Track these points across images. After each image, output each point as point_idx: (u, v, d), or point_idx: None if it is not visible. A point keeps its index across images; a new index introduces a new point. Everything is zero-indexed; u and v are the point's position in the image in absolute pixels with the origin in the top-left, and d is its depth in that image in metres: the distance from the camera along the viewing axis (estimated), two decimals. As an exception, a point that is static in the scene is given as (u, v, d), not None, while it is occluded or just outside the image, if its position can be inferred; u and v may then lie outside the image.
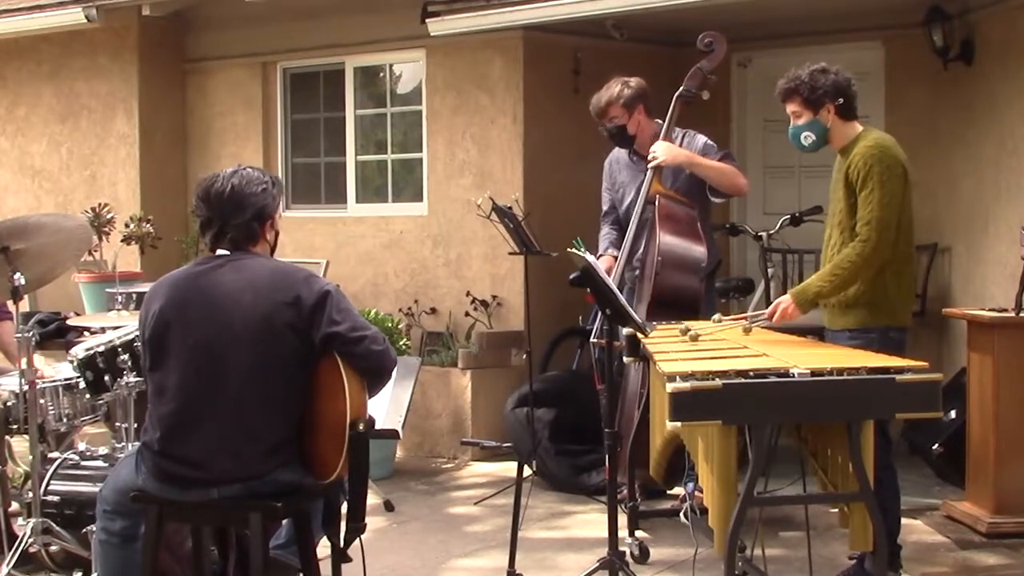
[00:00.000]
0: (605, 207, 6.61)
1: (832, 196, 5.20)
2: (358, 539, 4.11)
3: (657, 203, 6.18)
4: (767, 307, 7.58)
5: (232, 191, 4.09)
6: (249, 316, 3.94)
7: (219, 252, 4.12)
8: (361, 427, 3.91)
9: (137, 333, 5.54)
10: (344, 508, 4.13)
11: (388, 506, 6.73)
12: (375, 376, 4.00)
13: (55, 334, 7.62)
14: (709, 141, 6.37)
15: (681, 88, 6.26)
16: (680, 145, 6.31)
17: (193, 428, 3.95)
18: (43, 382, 5.55)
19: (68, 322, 7.26)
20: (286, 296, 3.96)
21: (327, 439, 3.96)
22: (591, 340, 6.64)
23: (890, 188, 4.92)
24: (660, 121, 6.36)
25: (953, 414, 6.62)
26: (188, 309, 4.01)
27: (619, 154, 6.57)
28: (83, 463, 5.43)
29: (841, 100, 5.04)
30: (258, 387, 3.93)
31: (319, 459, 3.99)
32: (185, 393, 3.97)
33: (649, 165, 6.22)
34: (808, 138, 5.13)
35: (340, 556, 4.12)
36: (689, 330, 4.85)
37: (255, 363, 3.93)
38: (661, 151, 6.16)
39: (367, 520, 4.14)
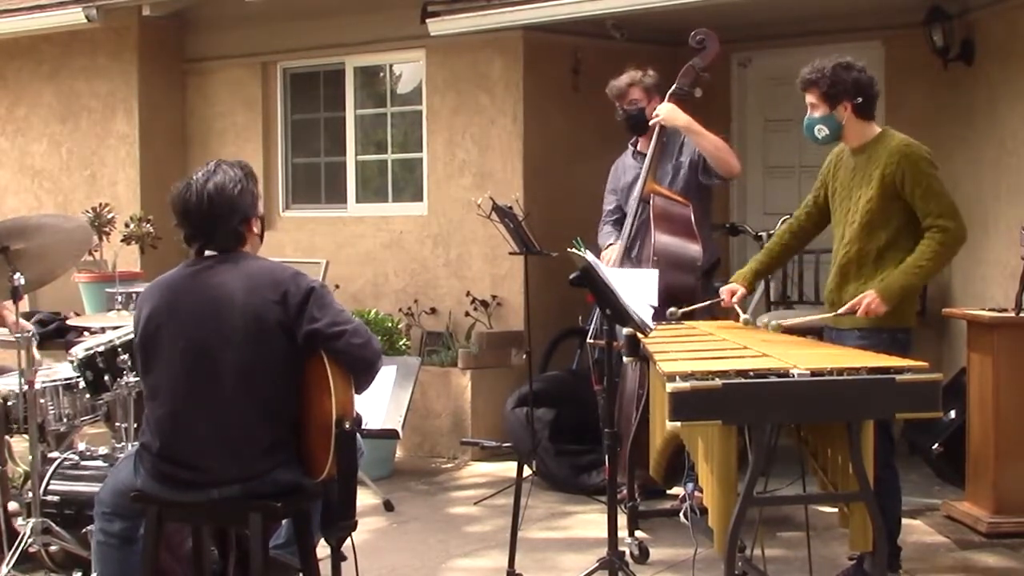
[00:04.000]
0: (610, 207, 6.61)
1: (842, 195, 5.16)
2: (351, 540, 4.11)
3: (652, 202, 6.19)
4: (767, 308, 7.63)
5: (210, 204, 4.04)
6: (240, 316, 3.95)
7: (208, 253, 4.12)
8: (347, 425, 3.91)
9: (136, 333, 5.58)
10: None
11: (388, 506, 6.73)
12: (359, 371, 3.98)
13: (55, 334, 7.62)
14: None
15: (674, 86, 6.27)
16: (680, 145, 6.32)
17: (188, 430, 3.96)
18: (42, 380, 5.55)
19: (68, 322, 7.26)
20: (274, 294, 3.96)
21: (315, 437, 3.96)
22: (588, 341, 6.64)
23: (939, 177, 5.04)
24: None
25: (953, 414, 6.62)
26: (178, 311, 4.02)
27: (625, 157, 6.58)
28: (83, 463, 5.44)
29: (860, 99, 5.04)
30: (251, 387, 3.93)
31: (309, 458, 4.00)
32: (178, 395, 3.98)
33: (650, 123, 6.24)
34: (821, 131, 5.13)
35: (337, 556, 4.12)
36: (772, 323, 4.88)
37: (247, 362, 3.93)
38: (664, 111, 6.19)
39: (366, 520, 4.15)
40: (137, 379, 5.44)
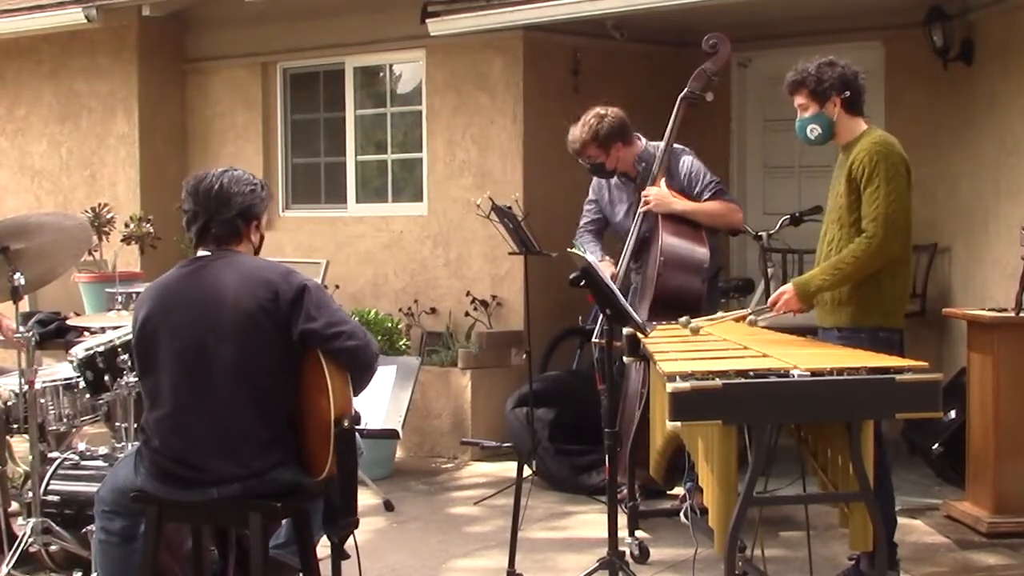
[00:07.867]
0: (587, 219, 6.56)
1: (831, 192, 5.18)
2: (354, 539, 4.11)
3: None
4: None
5: (220, 188, 4.14)
6: (232, 314, 3.97)
7: (201, 253, 4.15)
8: (346, 423, 3.91)
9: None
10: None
11: (388, 506, 6.73)
12: (357, 371, 3.99)
13: (55, 334, 7.61)
14: (696, 167, 6.25)
15: (685, 90, 6.25)
16: (665, 161, 6.24)
17: (187, 429, 3.98)
18: (42, 380, 5.54)
19: (68, 322, 7.26)
20: (266, 292, 3.98)
21: (315, 436, 3.97)
22: (592, 340, 6.63)
23: (896, 185, 4.88)
24: (641, 137, 6.32)
25: (953, 414, 6.62)
26: (173, 313, 4.05)
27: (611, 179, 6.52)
28: (83, 463, 5.44)
29: (848, 93, 5.01)
30: (246, 384, 3.95)
31: (309, 457, 4.01)
32: (177, 395, 4.00)
33: (640, 209, 6.19)
34: (814, 131, 5.10)
35: (339, 554, 4.12)
36: (690, 322, 4.87)
37: (241, 360, 3.95)
38: (653, 198, 6.13)
39: (367, 520, 4.15)
40: (137, 380, 5.46)
